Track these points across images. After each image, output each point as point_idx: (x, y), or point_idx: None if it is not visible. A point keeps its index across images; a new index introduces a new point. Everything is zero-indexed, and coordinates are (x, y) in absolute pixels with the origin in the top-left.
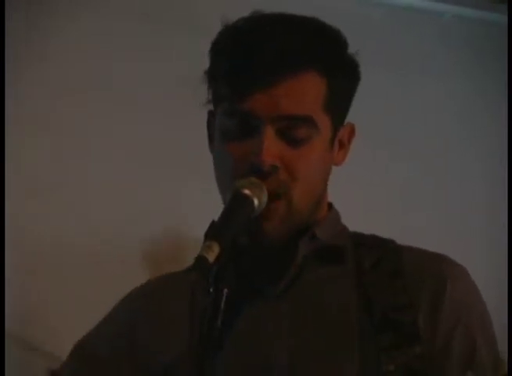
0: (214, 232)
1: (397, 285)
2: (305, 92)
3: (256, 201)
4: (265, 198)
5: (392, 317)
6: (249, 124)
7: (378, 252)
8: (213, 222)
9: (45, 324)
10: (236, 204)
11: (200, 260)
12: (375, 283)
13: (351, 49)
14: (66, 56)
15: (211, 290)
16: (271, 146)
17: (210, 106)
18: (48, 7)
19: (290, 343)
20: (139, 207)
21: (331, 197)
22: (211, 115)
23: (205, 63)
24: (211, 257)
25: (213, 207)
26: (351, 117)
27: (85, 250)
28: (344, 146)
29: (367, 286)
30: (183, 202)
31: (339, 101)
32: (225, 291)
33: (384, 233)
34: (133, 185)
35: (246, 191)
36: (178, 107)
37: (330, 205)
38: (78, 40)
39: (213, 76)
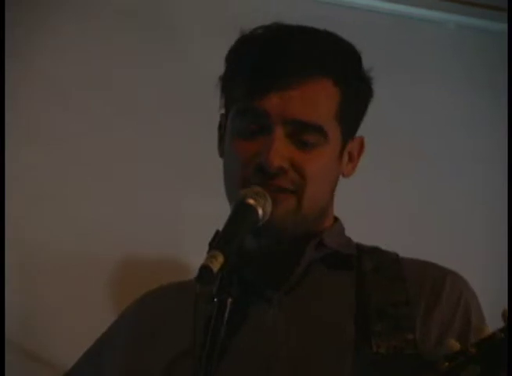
0: (218, 241)
1: (396, 287)
2: (319, 99)
3: (260, 211)
4: (269, 208)
5: (387, 311)
6: (260, 124)
7: (380, 260)
8: (217, 231)
9: (44, 332)
10: (240, 213)
11: (204, 270)
12: (374, 284)
13: (355, 38)
14: (66, 59)
15: (215, 300)
16: (280, 147)
17: (223, 111)
18: (47, 9)
19: (292, 346)
20: (139, 212)
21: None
22: (224, 117)
23: (205, 66)
24: (216, 267)
25: (214, 214)
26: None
27: (86, 257)
28: (353, 158)
29: (366, 287)
30: (183, 210)
31: (351, 112)
32: (229, 300)
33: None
34: (132, 190)
35: (251, 201)
36: (179, 112)
37: (336, 218)
38: (78, 44)
39: (229, 78)
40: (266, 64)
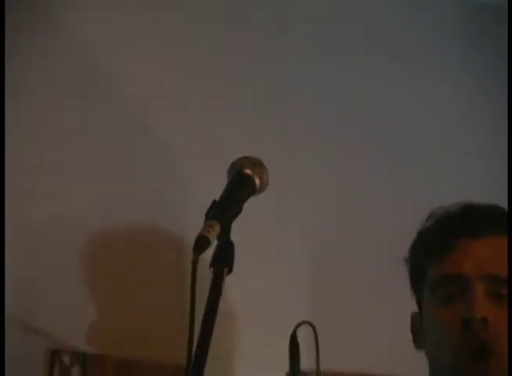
0: (215, 211)
1: None
2: (504, 253)
3: (257, 181)
4: (266, 178)
5: None
6: (457, 286)
7: None
8: (214, 201)
9: (45, 306)
10: (237, 183)
11: (201, 239)
12: None
13: (355, 37)
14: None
15: (211, 269)
16: (481, 301)
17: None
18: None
19: None
20: (139, 197)
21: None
22: (417, 315)
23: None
24: (212, 236)
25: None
26: (356, 109)
27: (86, 236)
28: None
29: None
30: (183, 198)
31: None
32: (226, 270)
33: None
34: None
35: (248, 170)
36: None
37: None
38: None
39: (421, 252)
40: (457, 228)
